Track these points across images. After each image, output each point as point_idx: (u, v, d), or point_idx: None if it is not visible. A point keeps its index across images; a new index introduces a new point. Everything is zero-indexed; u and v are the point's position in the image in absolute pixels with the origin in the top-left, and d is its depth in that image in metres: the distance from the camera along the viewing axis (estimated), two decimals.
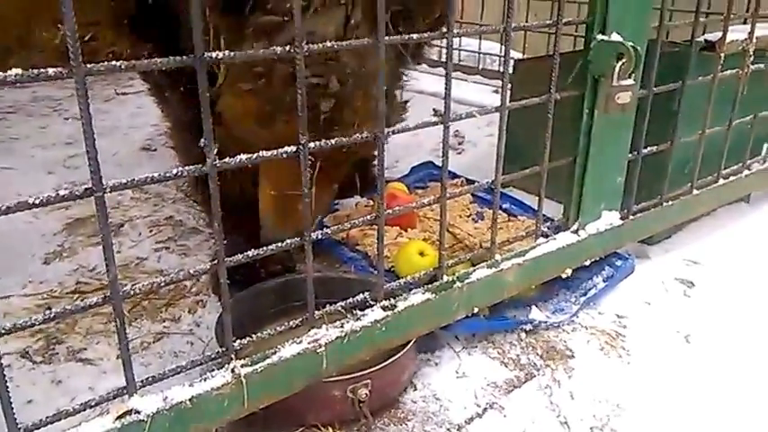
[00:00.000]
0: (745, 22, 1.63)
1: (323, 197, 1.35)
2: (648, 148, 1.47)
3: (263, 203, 1.36)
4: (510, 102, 1.15)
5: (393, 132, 1.02)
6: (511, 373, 1.30)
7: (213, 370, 0.93)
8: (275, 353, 0.96)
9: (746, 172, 1.85)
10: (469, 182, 2.03)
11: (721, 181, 1.76)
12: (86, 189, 0.71)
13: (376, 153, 0.99)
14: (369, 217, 1.06)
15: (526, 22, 3.43)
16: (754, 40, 1.60)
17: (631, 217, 1.52)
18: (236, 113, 1.21)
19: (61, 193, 0.71)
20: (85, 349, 1.36)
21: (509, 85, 1.14)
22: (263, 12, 1.12)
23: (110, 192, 0.72)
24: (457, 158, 2.56)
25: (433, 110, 2.92)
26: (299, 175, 0.90)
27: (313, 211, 1.23)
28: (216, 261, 0.86)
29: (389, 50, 1.20)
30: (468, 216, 1.92)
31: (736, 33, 1.60)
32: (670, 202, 1.61)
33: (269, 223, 1.34)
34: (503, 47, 1.12)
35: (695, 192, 1.67)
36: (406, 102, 1.66)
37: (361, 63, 1.17)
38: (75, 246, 1.81)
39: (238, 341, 0.93)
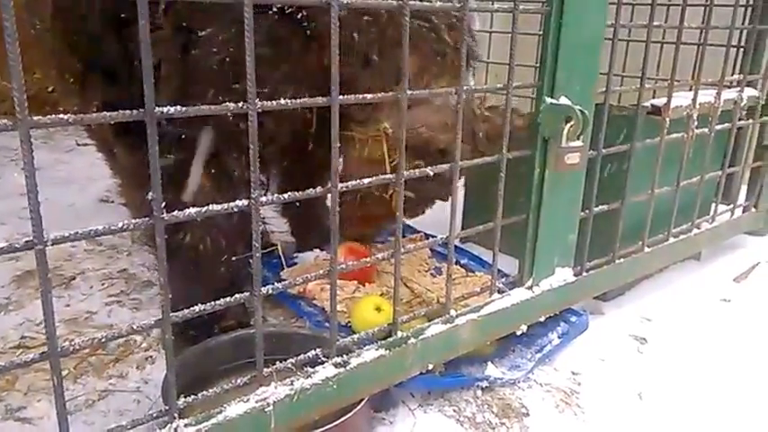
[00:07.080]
0: (690, 89, 1.71)
1: None
2: (599, 207, 1.51)
3: None
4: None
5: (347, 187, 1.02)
6: None
7: (156, 430, 0.89)
8: (221, 412, 0.93)
9: (696, 231, 1.91)
10: (428, 237, 2.04)
11: (672, 239, 1.81)
12: (27, 242, 0.70)
13: None
14: (322, 271, 1.05)
15: (485, 82, 3.55)
16: (697, 106, 1.68)
17: (584, 273, 1.55)
18: None
19: (1, 244, 0.70)
20: (25, 407, 1.30)
21: None
22: None
23: (51, 245, 0.71)
24: None
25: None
26: None
27: None
28: (162, 317, 0.84)
29: None
30: (427, 271, 1.92)
31: (681, 99, 1.68)
32: (622, 260, 1.65)
33: None
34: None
35: (647, 249, 1.72)
36: None
37: None
38: (23, 299, 1.75)
39: (183, 400, 0.91)
